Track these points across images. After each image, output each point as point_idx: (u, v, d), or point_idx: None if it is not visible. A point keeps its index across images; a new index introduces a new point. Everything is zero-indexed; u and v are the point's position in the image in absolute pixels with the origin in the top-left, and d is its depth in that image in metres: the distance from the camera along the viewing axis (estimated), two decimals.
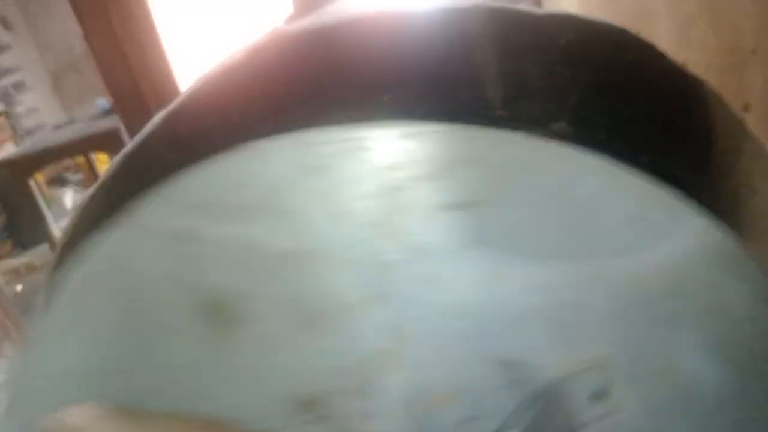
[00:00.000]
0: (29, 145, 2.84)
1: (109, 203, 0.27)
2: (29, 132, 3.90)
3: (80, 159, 3.19)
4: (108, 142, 2.45)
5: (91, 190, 0.27)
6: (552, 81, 0.26)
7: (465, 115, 0.27)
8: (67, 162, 3.44)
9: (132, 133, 1.76)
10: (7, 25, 4.11)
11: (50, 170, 3.45)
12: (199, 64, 1.48)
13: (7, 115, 3.84)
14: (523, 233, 0.22)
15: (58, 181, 3.85)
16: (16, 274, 3.02)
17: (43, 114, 4.22)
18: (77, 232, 0.27)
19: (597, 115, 0.27)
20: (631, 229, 0.22)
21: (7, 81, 4.05)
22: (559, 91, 0.26)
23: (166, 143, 0.26)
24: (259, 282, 0.22)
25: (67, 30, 3.78)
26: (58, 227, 3.01)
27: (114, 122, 2.44)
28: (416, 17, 0.26)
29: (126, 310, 0.22)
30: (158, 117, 0.26)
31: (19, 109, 4.09)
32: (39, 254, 3.24)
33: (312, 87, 0.26)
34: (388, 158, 0.23)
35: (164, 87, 1.50)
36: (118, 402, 0.20)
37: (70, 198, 3.83)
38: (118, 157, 0.27)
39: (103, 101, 2.84)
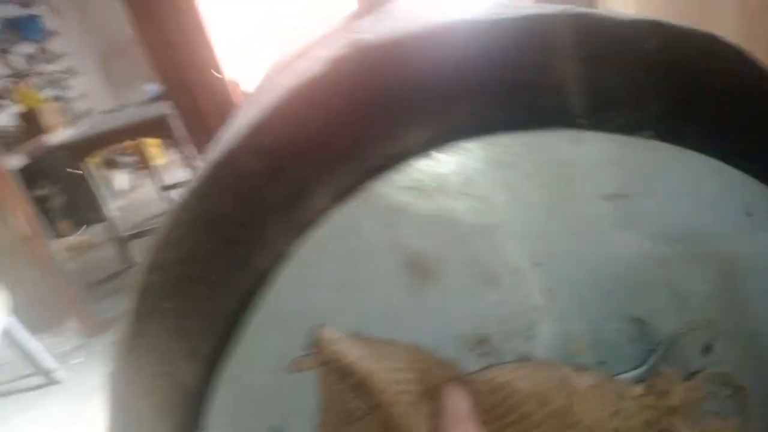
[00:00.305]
0: (84, 129, 2.93)
1: (200, 209, 0.28)
2: (81, 116, 4.02)
3: (130, 142, 3.28)
4: (157, 127, 2.51)
5: (183, 198, 0.28)
6: (637, 89, 0.26)
7: (546, 124, 0.27)
8: (118, 145, 3.54)
9: (181, 118, 1.79)
10: (56, 12, 4.23)
11: (102, 153, 3.56)
12: (242, 51, 1.50)
13: (60, 100, 3.97)
14: (658, 220, 0.28)
15: (110, 164, 3.98)
16: (76, 250, 3.17)
17: (93, 98, 4.34)
18: (172, 235, 0.28)
19: (683, 124, 0.26)
20: (744, 220, 0.28)
21: (59, 66, 4.18)
22: (644, 99, 0.26)
23: (251, 153, 0.27)
24: (452, 247, 0.29)
25: (114, 15, 3.86)
26: (111, 207, 3.13)
27: (162, 108, 2.50)
28: (496, 26, 0.26)
29: (352, 262, 0.29)
30: (244, 127, 0.27)
31: (71, 93, 4.23)
32: (95, 232, 3.38)
33: (391, 97, 0.27)
34: (562, 157, 0.28)
35: (210, 74, 1.52)
36: (348, 330, 0.29)
37: (123, 179, 3.96)
38: (207, 167, 0.28)
39: (151, 87, 2.90)
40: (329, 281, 0.29)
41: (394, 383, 0.28)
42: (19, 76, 3.89)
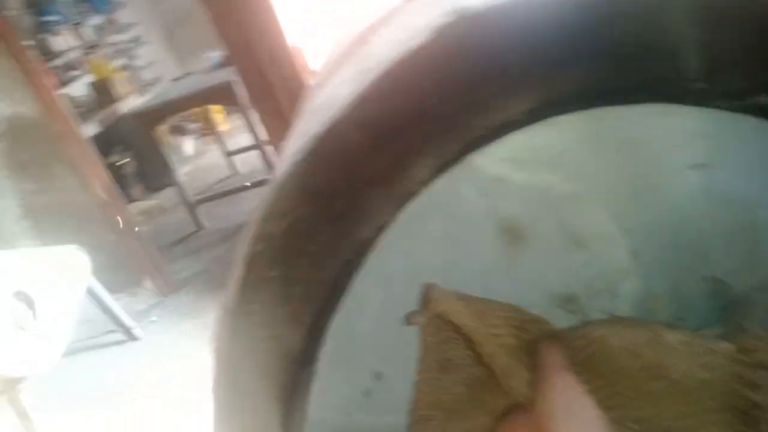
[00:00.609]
0: (153, 97, 3.04)
1: (303, 182, 0.29)
2: (149, 84, 4.16)
3: (197, 109, 3.38)
4: (222, 93, 2.57)
5: (286, 170, 0.29)
6: (758, 50, 0.24)
7: (659, 88, 0.26)
8: (186, 112, 3.64)
9: (245, 84, 1.82)
10: None
11: (170, 120, 3.69)
12: (306, 18, 1.49)
13: (129, 69, 4.11)
14: (740, 188, 0.29)
15: (177, 130, 4.12)
16: (148, 214, 3.33)
17: (160, 66, 4.47)
18: (276, 207, 0.29)
19: None
20: None
21: (127, 36, 4.32)
22: (764, 61, 0.25)
23: (355, 125, 0.27)
24: (544, 213, 0.30)
25: None
26: (181, 172, 3.25)
27: (226, 75, 2.55)
28: None
29: (451, 227, 0.31)
30: (346, 99, 0.28)
31: (138, 62, 4.37)
32: (166, 196, 3.53)
33: (497, 66, 0.26)
34: (649, 130, 0.29)
35: (274, 40, 1.54)
36: (448, 287, 0.31)
37: (189, 145, 4.09)
38: (310, 139, 0.29)
39: (215, 54, 2.95)
40: (430, 245, 0.31)
41: (493, 337, 0.30)
42: (90, 47, 4.05)
